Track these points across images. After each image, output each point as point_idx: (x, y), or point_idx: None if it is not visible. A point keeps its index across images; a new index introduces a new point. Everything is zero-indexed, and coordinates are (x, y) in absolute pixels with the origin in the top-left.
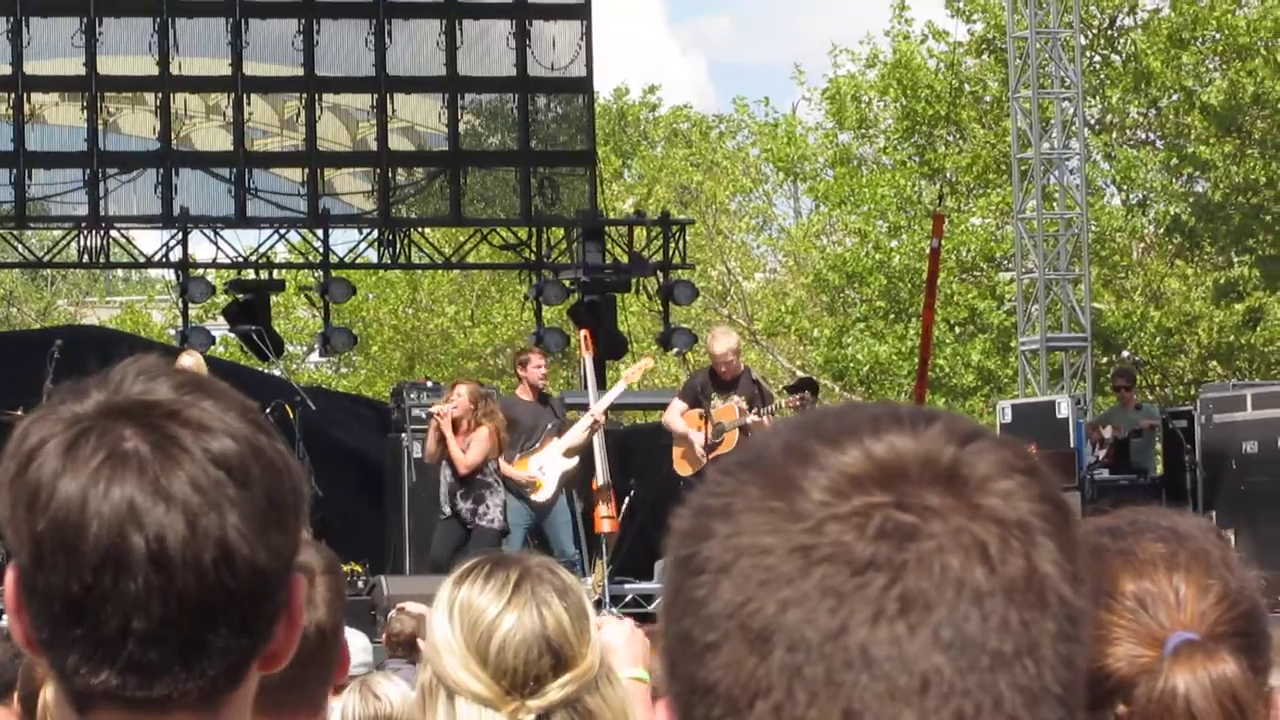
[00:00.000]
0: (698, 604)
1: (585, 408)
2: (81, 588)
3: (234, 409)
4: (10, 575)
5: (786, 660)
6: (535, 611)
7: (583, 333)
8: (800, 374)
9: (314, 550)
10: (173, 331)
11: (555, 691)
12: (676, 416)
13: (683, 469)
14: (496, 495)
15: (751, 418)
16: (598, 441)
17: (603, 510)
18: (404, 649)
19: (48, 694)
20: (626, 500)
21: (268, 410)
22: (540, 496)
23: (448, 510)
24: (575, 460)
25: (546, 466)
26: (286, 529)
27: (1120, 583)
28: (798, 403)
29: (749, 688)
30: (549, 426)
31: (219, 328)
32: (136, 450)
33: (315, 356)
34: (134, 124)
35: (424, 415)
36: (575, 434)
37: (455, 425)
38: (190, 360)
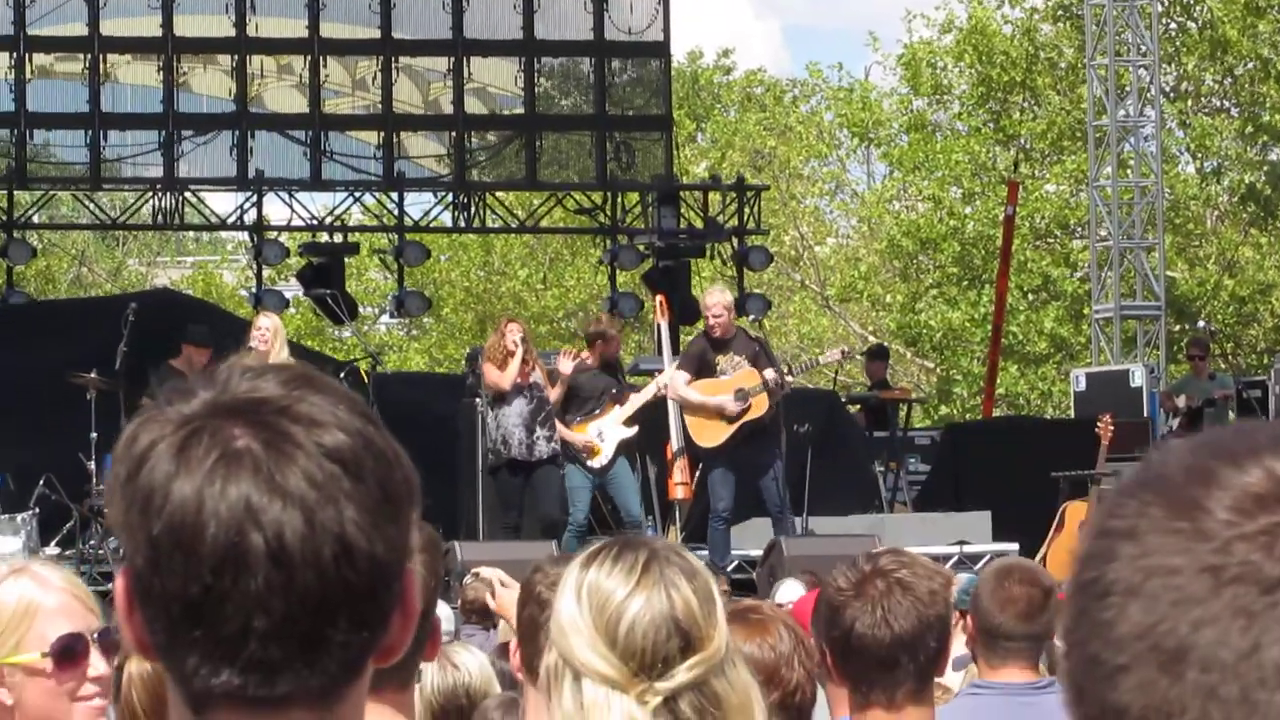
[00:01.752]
0: (1105, 626)
1: (660, 373)
2: (201, 589)
3: (343, 402)
4: (121, 580)
5: (1200, 681)
6: (664, 593)
7: (658, 299)
8: (872, 339)
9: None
10: (245, 293)
11: (683, 674)
12: (685, 386)
13: (704, 440)
14: None
15: (788, 378)
16: (673, 408)
17: (677, 476)
18: (479, 615)
19: (132, 668)
20: (700, 467)
21: (341, 374)
22: (597, 462)
23: (520, 450)
24: (635, 429)
25: (605, 432)
26: (400, 520)
27: None
28: (839, 356)
29: (1162, 709)
30: (612, 392)
31: (292, 289)
32: (249, 448)
33: (386, 318)
34: (205, 84)
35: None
36: (637, 402)
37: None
38: (269, 321)
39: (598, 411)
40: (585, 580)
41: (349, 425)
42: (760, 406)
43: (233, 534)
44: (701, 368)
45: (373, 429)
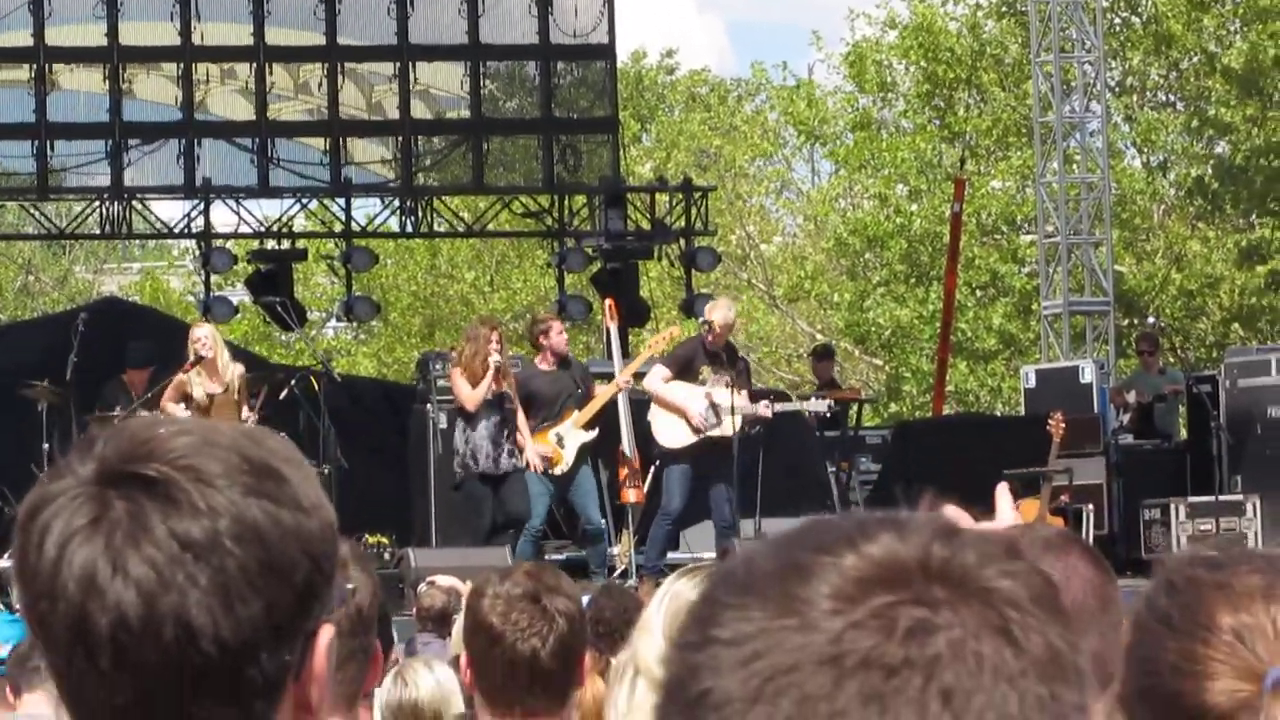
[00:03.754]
0: None
1: (611, 377)
2: (63, 663)
3: (232, 471)
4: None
5: None
6: None
7: (608, 302)
8: (820, 338)
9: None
10: (191, 299)
11: None
12: (662, 383)
13: (666, 439)
14: None
15: (762, 408)
16: (623, 410)
17: (628, 480)
18: (434, 623)
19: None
20: (652, 470)
21: (293, 382)
22: (559, 469)
23: (488, 464)
24: (594, 432)
25: (566, 438)
26: (268, 598)
27: (1217, 616)
28: (824, 409)
29: None
30: (569, 397)
31: (239, 295)
32: (111, 521)
33: (334, 323)
34: (150, 90)
35: (447, 385)
36: (595, 404)
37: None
38: (205, 331)
39: (558, 416)
40: (672, 588)
41: (219, 503)
42: (729, 428)
43: (79, 612)
44: (684, 371)
45: (257, 503)
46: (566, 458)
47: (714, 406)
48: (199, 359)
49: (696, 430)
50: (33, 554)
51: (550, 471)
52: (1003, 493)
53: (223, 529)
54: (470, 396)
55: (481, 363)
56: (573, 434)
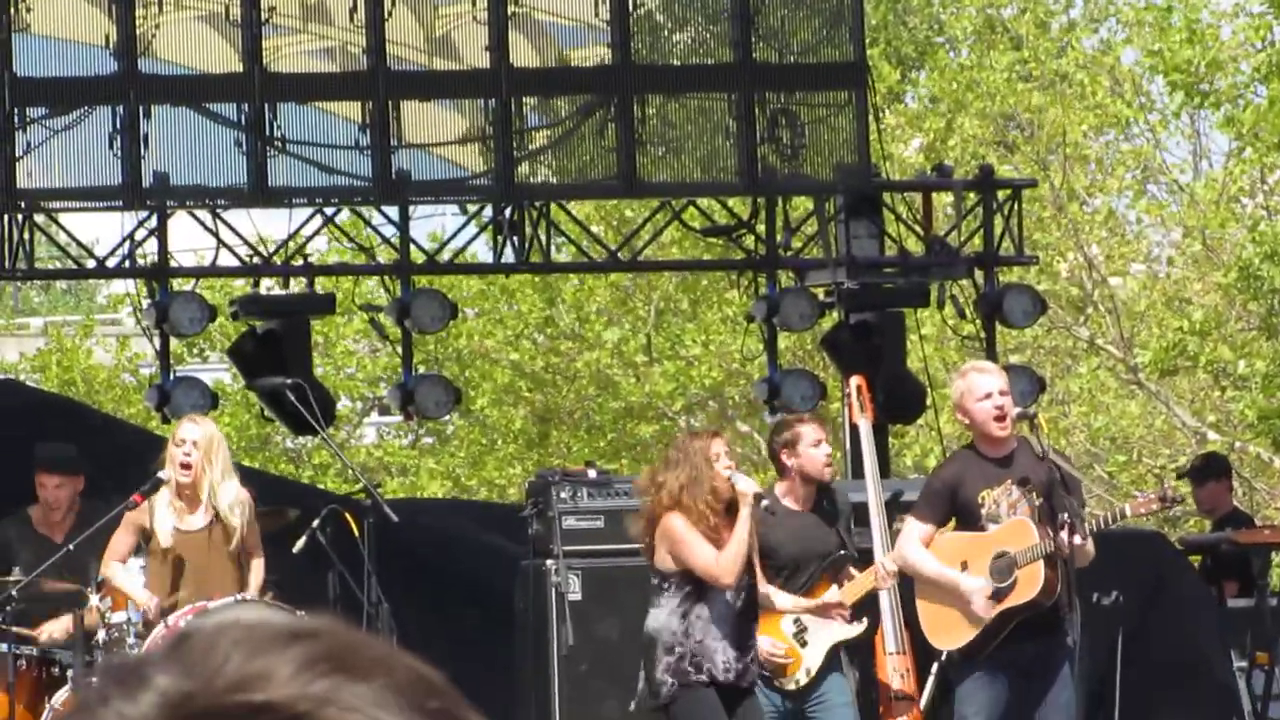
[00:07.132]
0: None
1: (863, 510)
2: None
3: (395, 698)
4: None
5: None
6: None
7: (854, 382)
8: (1214, 438)
9: None
10: (131, 380)
11: None
12: (919, 548)
13: (943, 638)
14: None
15: (1061, 545)
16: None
17: (895, 684)
18: None
19: None
20: (932, 675)
21: (315, 524)
22: (792, 681)
23: (728, 672)
24: (861, 626)
25: (811, 632)
26: None
27: None
28: (1155, 504)
29: None
30: (826, 562)
31: (216, 372)
32: None
33: (379, 420)
34: (60, 22)
35: (583, 527)
36: (864, 585)
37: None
38: (197, 432)
39: (803, 590)
40: None
41: None
42: (1032, 584)
43: None
44: (956, 511)
45: None
46: (810, 662)
47: (1001, 564)
48: (156, 484)
49: (971, 620)
50: None
51: (780, 684)
52: None
53: None
54: (720, 563)
55: (709, 495)
56: (822, 626)
